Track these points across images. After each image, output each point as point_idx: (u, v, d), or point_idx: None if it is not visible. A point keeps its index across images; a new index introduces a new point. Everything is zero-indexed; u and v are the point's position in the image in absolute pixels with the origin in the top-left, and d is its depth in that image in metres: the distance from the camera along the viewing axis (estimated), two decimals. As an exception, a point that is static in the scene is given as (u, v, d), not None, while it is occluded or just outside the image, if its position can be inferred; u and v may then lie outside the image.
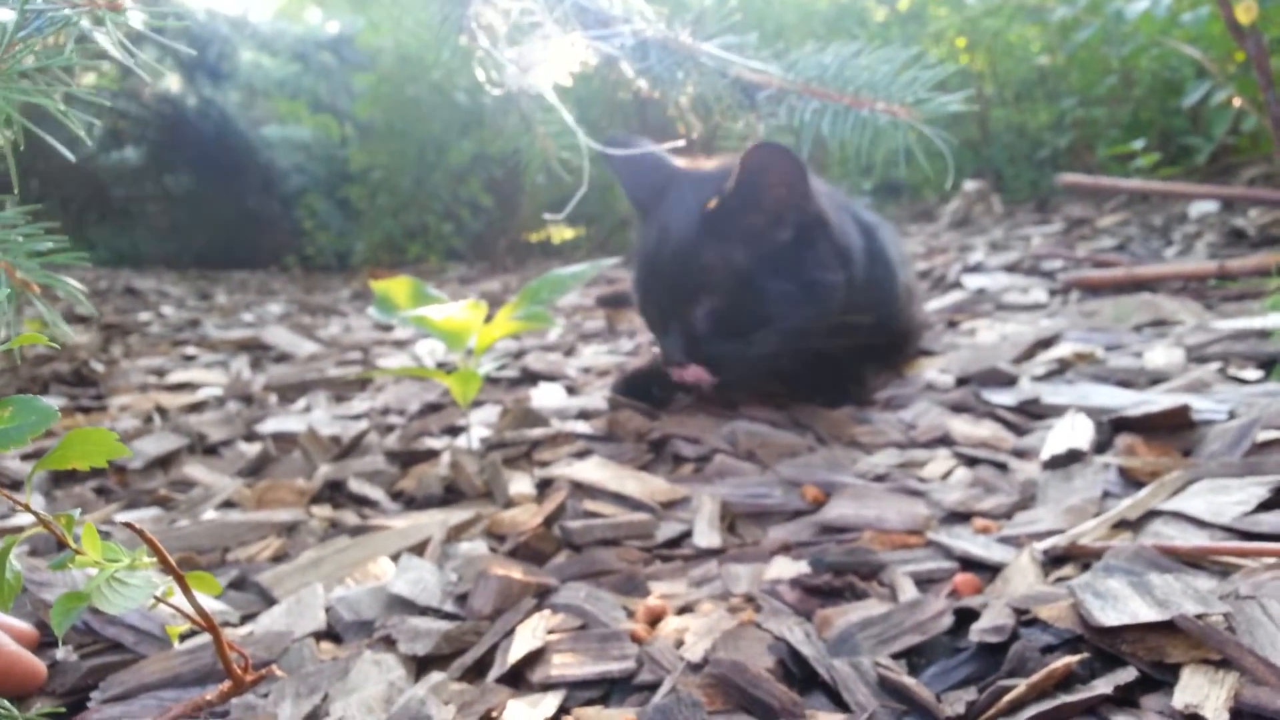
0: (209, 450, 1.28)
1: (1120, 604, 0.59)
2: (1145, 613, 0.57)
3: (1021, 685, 0.54)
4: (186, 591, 0.52)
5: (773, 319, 1.14)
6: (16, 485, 1.17)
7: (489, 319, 1.12)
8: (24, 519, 1.02)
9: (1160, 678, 0.55)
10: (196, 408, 1.53)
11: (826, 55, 1.05)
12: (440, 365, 1.72)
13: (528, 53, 1.03)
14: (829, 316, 1.17)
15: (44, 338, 0.51)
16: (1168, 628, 0.57)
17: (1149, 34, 2.65)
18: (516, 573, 0.78)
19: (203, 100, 3.86)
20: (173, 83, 4.05)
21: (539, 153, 1.27)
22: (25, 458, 1.25)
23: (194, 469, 1.17)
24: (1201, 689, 0.52)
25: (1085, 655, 0.57)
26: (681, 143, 1.10)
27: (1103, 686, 0.54)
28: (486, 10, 1.03)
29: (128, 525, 0.49)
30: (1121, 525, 0.79)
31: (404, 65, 3.39)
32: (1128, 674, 0.55)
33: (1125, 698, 0.54)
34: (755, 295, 1.13)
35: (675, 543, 0.87)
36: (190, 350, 2.06)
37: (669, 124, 1.20)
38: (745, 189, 1.12)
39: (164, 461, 1.22)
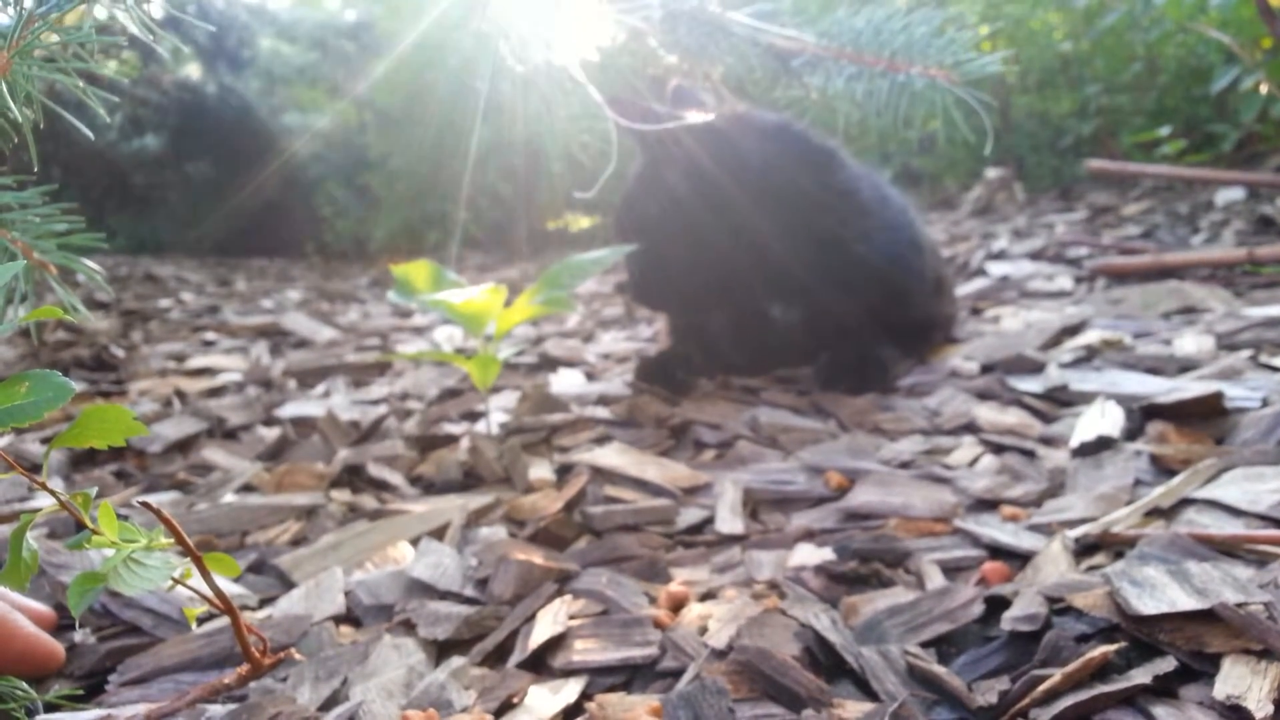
0: (228, 434, 1.28)
1: (1158, 592, 0.57)
2: (1184, 601, 0.56)
3: (1056, 675, 0.53)
4: (205, 573, 0.51)
5: (684, 267, 1.26)
6: (36, 468, 1.16)
7: (508, 304, 1.11)
8: (42, 501, 1.02)
9: (1200, 668, 0.53)
10: (216, 392, 1.52)
11: (859, 20, 1.03)
12: (459, 351, 1.71)
13: (553, 27, 1.02)
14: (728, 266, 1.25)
15: (59, 311, 0.51)
16: (1207, 616, 0.55)
17: (1176, 19, 2.61)
18: (537, 558, 0.77)
19: (222, 87, 3.86)
20: (193, 70, 4.05)
21: (559, 137, 1.26)
22: (44, 441, 1.25)
23: (213, 453, 1.17)
24: (1244, 679, 0.50)
25: (1122, 644, 0.56)
26: (710, 115, 1.09)
27: (1141, 676, 0.52)
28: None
29: (145, 505, 0.49)
30: (1154, 513, 0.77)
31: (423, 52, 3.38)
32: (1166, 664, 0.53)
33: (1164, 688, 0.52)
34: (667, 245, 1.25)
35: (697, 529, 0.86)
36: (210, 336, 2.06)
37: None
38: (646, 148, 1.23)
39: (183, 445, 1.21)
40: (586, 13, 1.00)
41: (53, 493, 0.48)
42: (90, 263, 0.74)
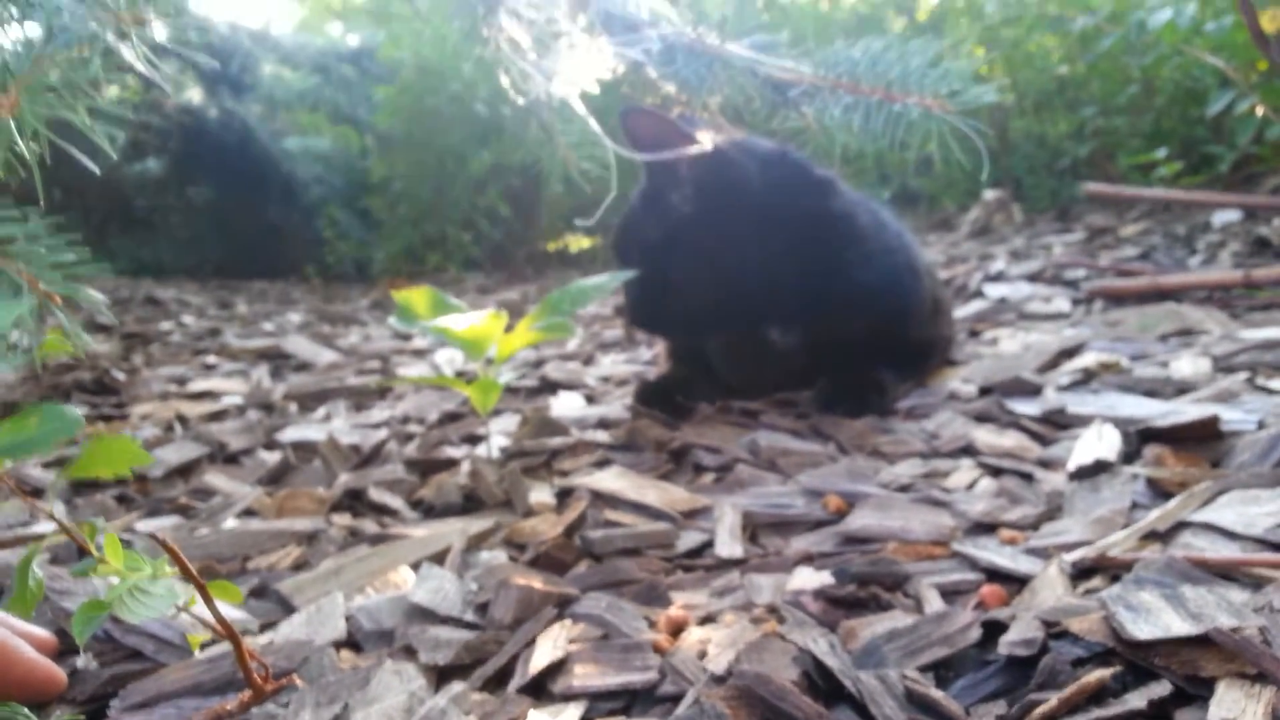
0: (229, 459, 1.28)
1: (1153, 616, 0.58)
2: (1179, 626, 0.56)
3: (1052, 699, 0.53)
4: (208, 600, 0.52)
5: (684, 291, 1.26)
6: (39, 493, 1.17)
7: (509, 329, 1.11)
8: (45, 527, 1.02)
9: (1195, 692, 0.54)
10: (217, 416, 1.53)
11: (856, 50, 1.05)
12: (459, 374, 1.72)
13: (552, 60, 1.03)
14: (747, 285, 1.25)
15: (68, 345, 0.51)
16: (1202, 641, 0.56)
17: (1171, 43, 2.63)
18: (537, 582, 0.77)
19: (225, 112, 3.89)
20: (195, 95, 4.07)
21: (560, 163, 1.27)
22: (47, 466, 1.26)
23: (214, 477, 1.17)
24: (1238, 703, 0.51)
25: (1117, 669, 0.56)
26: (707, 145, 1.10)
27: (1136, 700, 0.53)
28: (510, 21, 1.03)
29: (151, 536, 0.49)
30: (1151, 537, 0.77)
31: (424, 77, 3.40)
32: (1161, 688, 0.54)
33: (1159, 712, 0.53)
34: (667, 267, 1.25)
35: (697, 553, 0.86)
36: (211, 359, 2.06)
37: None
38: (650, 169, 1.24)
39: (184, 470, 1.22)
40: (586, 46, 1.01)
41: (59, 522, 0.48)
42: (94, 292, 0.75)
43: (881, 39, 1.06)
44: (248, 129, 3.87)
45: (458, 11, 1.15)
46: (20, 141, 0.64)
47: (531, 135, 1.26)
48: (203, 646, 0.72)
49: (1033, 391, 1.20)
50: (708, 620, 0.73)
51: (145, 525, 1.04)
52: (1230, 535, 0.74)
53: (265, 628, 0.79)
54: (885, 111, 1.02)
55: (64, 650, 0.71)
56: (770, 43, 1.10)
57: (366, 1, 4.32)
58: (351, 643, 0.75)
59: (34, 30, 0.68)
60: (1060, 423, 1.09)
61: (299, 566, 0.90)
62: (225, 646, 0.70)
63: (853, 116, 1.04)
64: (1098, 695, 0.54)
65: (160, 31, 0.72)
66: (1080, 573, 0.73)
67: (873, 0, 3.68)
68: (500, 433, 1.27)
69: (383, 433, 1.32)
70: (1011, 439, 1.05)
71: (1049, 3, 3.15)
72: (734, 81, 1.09)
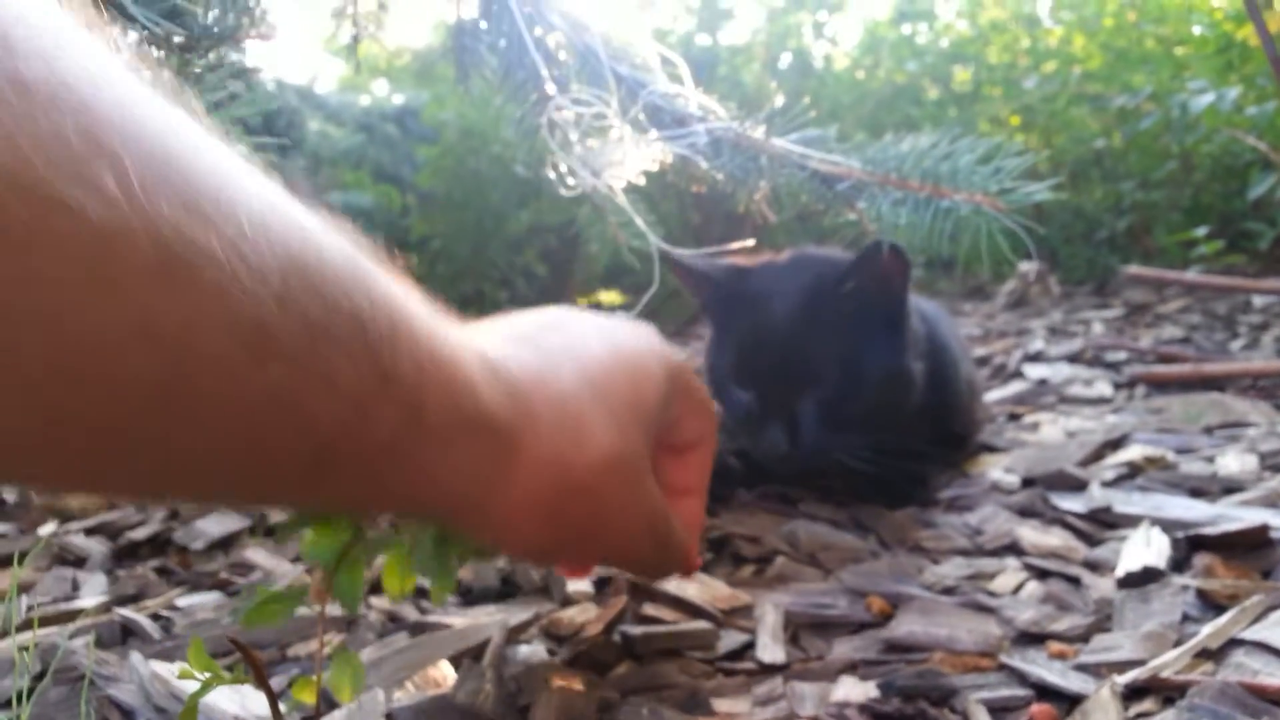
0: (270, 532, 1.29)
1: (1213, 759, 0.57)
2: (1240, 770, 0.55)
3: (1111, 846, 0.52)
4: (274, 711, 0.54)
5: (873, 407, 1.16)
6: (81, 561, 1.18)
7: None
8: (86, 600, 1.03)
9: (1258, 843, 0.52)
10: (256, 483, 1.54)
11: (904, 146, 1.06)
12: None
13: (600, 155, 1.05)
14: (911, 406, 1.20)
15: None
16: (1264, 787, 0.54)
17: (1212, 125, 2.64)
18: (578, 684, 0.77)
19: (269, 166, 3.96)
20: (240, 149, 4.15)
21: (610, 240, 1.29)
22: (89, 533, 1.27)
23: (254, 553, 1.18)
24: None
25: (1177, 813, 0.55)
26: (751, 243, 1.11)
27: None
28: (560, 114, 1.05)
29: (234, 643, 0.52)
30: (1202, 654, 0.76)
31: (466, 139, 3.46)
32: (1224, 838, 0.52)
33: None
34: (857, 384, 1.15)
35: (738, 654, 0.85)
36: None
37: (744, 215, 1.21)
38: (859, 281, 1.13)
39: (225, 543, 1.23)
40: (634, 140, 1.03)
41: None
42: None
43: (930, 136, 1.07)
44: (290, 183, 3.94)
45: (509, 100, 1.18)
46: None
47: (584, 214, 1.28)
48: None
49: (1077, 486, 1.18)
50: (751, 732, 0.72)
51: (186, 601, 1.05)
52: (1283, 656, 0.73)
53: (305, 722, 0.78)
54: (934, 207, 1.03)
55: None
56: (819, 137, 1.11)
57: (412, 62, 4.42)
58: (392, 742, 0.74)
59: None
60: (1106, 521, 1.08)
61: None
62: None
63: (900, 211, 1.05)
64: (1157, 842, 0.53)
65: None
66: (1132, 692, 0.72)
67: (908, 70, 3.70)
68: (538, 512, 1.27)
69: (421, 507, 1.32)
70: (1057, 537, 1.04)
71: (1088, 81, 3.16)
72: (780, 175, 1.10)
